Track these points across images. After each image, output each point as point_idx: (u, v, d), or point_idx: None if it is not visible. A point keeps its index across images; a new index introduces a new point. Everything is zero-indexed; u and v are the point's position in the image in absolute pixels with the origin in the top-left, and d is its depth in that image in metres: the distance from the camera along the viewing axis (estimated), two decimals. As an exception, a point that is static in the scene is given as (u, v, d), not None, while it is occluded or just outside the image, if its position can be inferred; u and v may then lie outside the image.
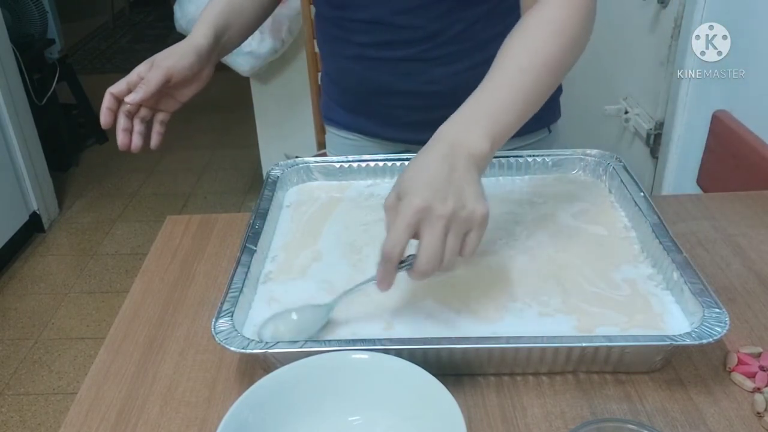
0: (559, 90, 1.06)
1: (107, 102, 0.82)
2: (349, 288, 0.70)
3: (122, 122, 0.83)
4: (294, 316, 0.70)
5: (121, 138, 0.84)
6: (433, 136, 0.68)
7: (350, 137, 1.13)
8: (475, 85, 0.76)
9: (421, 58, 0.96)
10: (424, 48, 0.95)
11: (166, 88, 0.84)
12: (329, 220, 0.88)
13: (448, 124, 0.69)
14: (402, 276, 0.76)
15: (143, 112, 0.85)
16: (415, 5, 0.92)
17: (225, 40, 0.92)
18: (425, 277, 0.64)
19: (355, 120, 1.10)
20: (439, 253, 0.62)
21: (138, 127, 0.85)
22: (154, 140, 0.87)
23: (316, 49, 1.75)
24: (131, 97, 0.81)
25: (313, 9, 1.52)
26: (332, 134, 1.17)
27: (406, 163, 0.94)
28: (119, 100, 0.83)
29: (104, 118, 0.82)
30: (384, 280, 0.64)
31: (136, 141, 0.85)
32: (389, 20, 0.93)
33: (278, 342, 0.64)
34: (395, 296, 0.74)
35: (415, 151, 1.04)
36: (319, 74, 1.17)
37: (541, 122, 1.06)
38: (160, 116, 0.88)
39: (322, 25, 1.05)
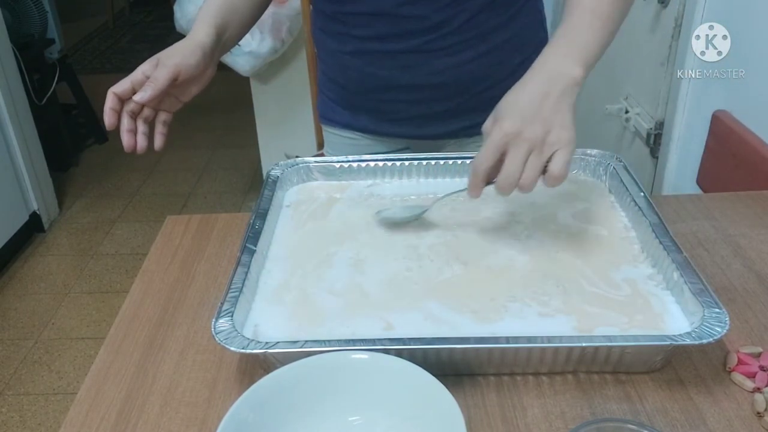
0: None
1: (111, 102, 0.81)
2: (442, 195, 0.84)
3: (126, 123, 0.82)
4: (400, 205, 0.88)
5: (126, 139, 0.82)
6: (530, 69, 0.74)
7: (349, 136, 1.13)
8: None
9: (423, 49, 0.96)
10: (428, 39, 0.95)
11: (171, 87, 0.84)
12: (329, 220, 0.88)
13: (541, 58, 0.75)
14: (402, 277, 0.77)
15: (146, 112, 0.84)
16: None
17: (225, 38, 0.92)
18: (506, 193, 0.71)
19: (354, 118, 1.10)
20: (518, 171, 0.69)
21: (142, 127, 0.84)
22: (158, 141, 0.86)
23: (316, 49, 1.75)
24: (140, 95, 0.80)
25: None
26: (330, 134, 1.17)
27: (406, 163, 0.95)
28: (122, 101, 0.82)
29: (108, 119, 0.81)
30: (472, 190, 0.73)
31: (141, 142, 0.83)
32: (393, 11, 0.93)
33: (278, 342, 0.64)
34: (395, 296, 0.74)
35: (416, 148, 1.05)
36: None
37: None
38: (162, 116, 0.87)
39: (320, 22, 1.05)
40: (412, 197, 0.92)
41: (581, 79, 0.73)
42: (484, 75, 0.98)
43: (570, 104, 0.71)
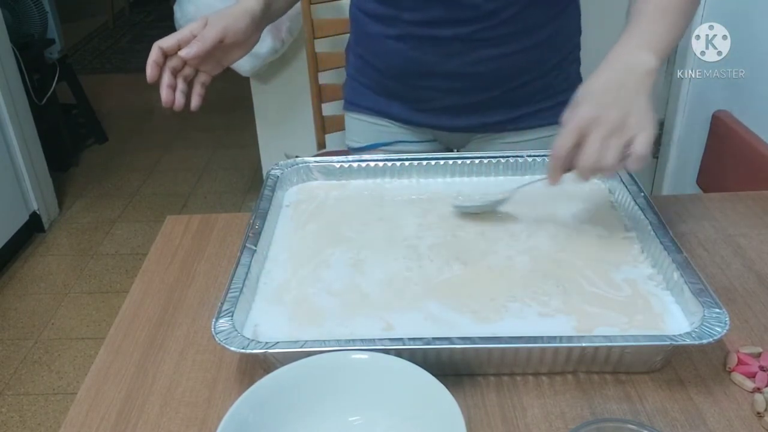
0: None
1: (155, 55, 0.82)
2: (519, 185, 0.85)
3: (166, 79, 0.83)
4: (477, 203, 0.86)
5: (165, 94, 0.83)
6: (604, 61, 0.75)
7: (378, 123, 1.12)
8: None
9: (470, 38, 0.96)
10: (476, 28, 0.95)
11: (216, 48, 0.84)
12: (329, 220, 0.88)
13: (615, 51, 0.76)
14: (402, 277, 0.77)
15: (187, 71, 0.85)
16: None
17: (273, 8, 0.93)
18: (586, 177, 0.72)
19: (387, 104, 1.10)
20: (598, 151, 0.69)
21: (181, 85, 0.85)
22: (195, 101, 0.87)
23: (317, 49, 1.75)
24: (186, 51, 0.81)
25: (313, 9, 1.51)
26: (357, 120, 1.16)
27: (406, 163, 0.95)
28: (166, 56, 0.83)
29: (151, 71, 0.82)
30: (551, 176, 0.75)
31: (180, 99, 0.84)
32: None
33: (278, 342, 0.64)
34: (395, 296, 0.74)
35: (443, 140, 1.09)
36: (342, 68, 1.16)
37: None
38: (202, 78, 0.88)
39: (364, 5, 1.03)
40: (413, 197, 0.92)
41: (655, 68, 0.74)
42: (522, 70, 1.00)
43: (647, 92, 0.72)
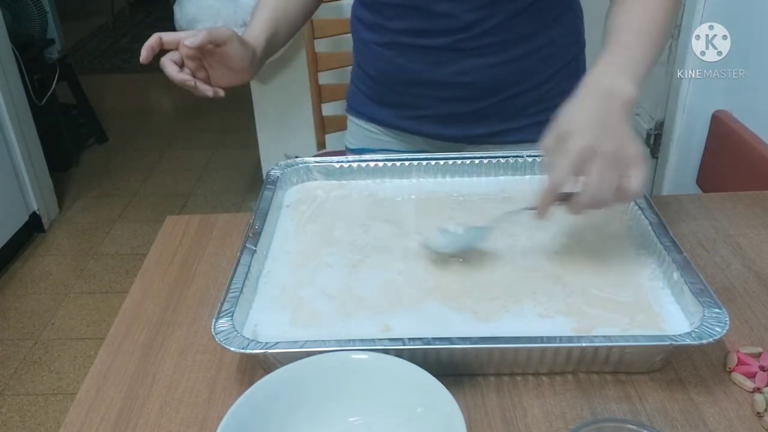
0: None
1: (153, 41, 0.81)
2: (502, 213, 0.79)
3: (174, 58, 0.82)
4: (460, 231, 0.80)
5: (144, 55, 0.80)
6: (583, 84, 0.73)
7: (371, 129, 1.13)
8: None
9: (454, 48, 0.96)
10: (458, 38, 0.95)
11: (212, 57, 0.84)
12: (329, 220, 0.88)
13: (595, 73, 0.74)
14: (402, 277, 0.77)
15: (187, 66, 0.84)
16: None
17: (273, 47, 0.94)
18: (579, 211, 0.69)
19: (380, 111, 1.10)
20: (600, 186, 0.66)
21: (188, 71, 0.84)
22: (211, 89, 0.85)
23: (317, 49, 1.75)
24: (191, 40, 0.80)
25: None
26: (354, 124, 1.17)
27: (406, 163, 0.95)
28: (162, 47, 0.82)
29: (145, 53, 0.80)
30: (542, 210, 0.71)
31: (188, 76, 0.83)
32: (426, 6, 0.93)
33: (278, 342, 0.64)
34: (395, 296, 0.74)
35: (435, 148, 1.06)
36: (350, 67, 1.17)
37: None
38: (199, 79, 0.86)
39: (358, 12, 1.05)
40: (413, 197, 0.92)
41: (636, 96, 0.72)
42: (513, 80, 0.99)
43: (629, 121, 0.70)
